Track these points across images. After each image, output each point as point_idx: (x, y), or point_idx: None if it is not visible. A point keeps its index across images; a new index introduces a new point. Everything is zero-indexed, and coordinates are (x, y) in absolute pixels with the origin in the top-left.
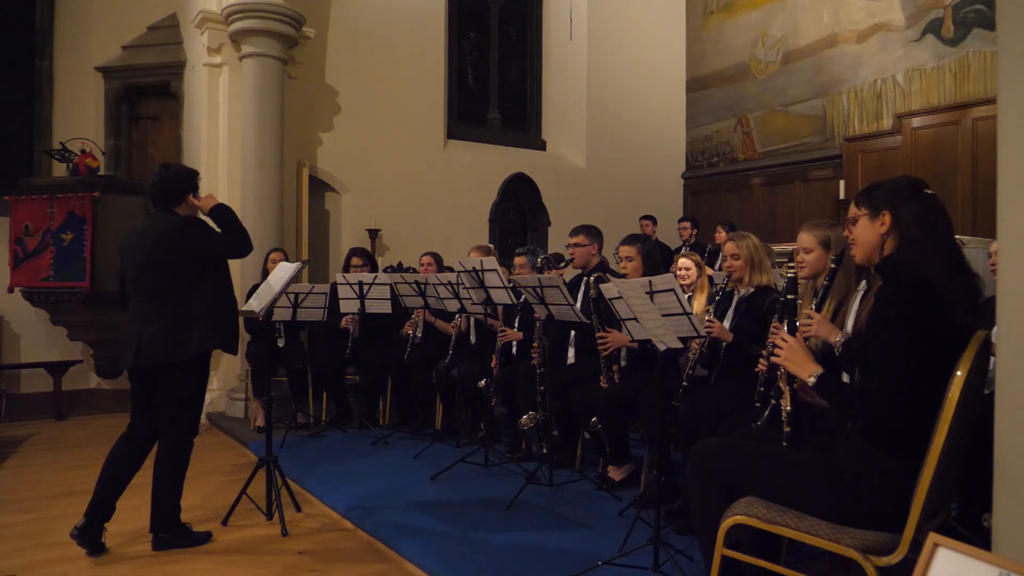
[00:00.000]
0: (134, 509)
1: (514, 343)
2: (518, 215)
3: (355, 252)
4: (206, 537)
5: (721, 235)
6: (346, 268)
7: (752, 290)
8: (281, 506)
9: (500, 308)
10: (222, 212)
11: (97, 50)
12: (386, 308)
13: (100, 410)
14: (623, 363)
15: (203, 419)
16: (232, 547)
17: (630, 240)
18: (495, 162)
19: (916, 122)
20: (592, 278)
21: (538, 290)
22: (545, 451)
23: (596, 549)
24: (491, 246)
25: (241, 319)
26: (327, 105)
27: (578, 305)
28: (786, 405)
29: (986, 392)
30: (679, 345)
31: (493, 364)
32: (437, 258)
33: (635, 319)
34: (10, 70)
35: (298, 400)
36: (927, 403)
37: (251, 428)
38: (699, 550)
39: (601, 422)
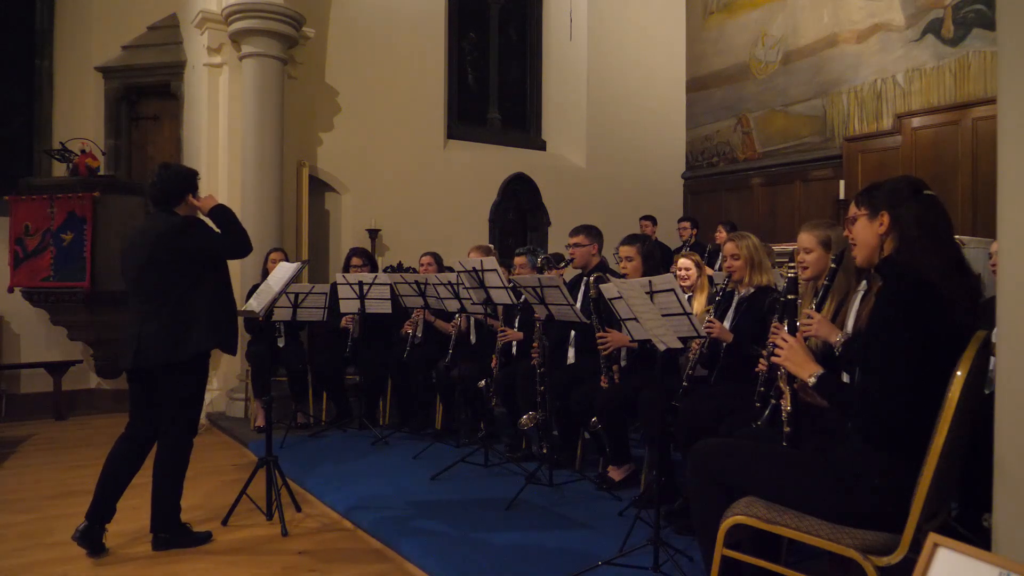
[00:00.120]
0: (134, 509)
1: (514, 343)
2: (518, 215)
3: (355, 252)
4: (206, 537)
5: (722, 235)
6: (346, 268)
7: (752, 290)
8: (281, 506)
9: (500, 308)
10: (222, 212)
11: (97, 50)
12: (386, 308)
13: (100, 410)
14: (623, 363)
15: (203, 419)
16: (232, 547)
17: (630, 240)
18: (495, 162)
19: (916, 122)
20: (592, 278)
21: (538, 290)
22: (545, 451)
23: (596, 549)
24: (491, 246)
25: (241, 319)
26: (327, 105)
27: (578, 305)
28: (786, 405)
29: (986, 392)
30: (679, 345)
31: (493, 364)
32: (437, 258)
33: (635, 319)
34: (10, 70)
35: (298, 400)
36: (927, 403)
37: (251, 428)
38: (699, 550)
39: (601, 422)
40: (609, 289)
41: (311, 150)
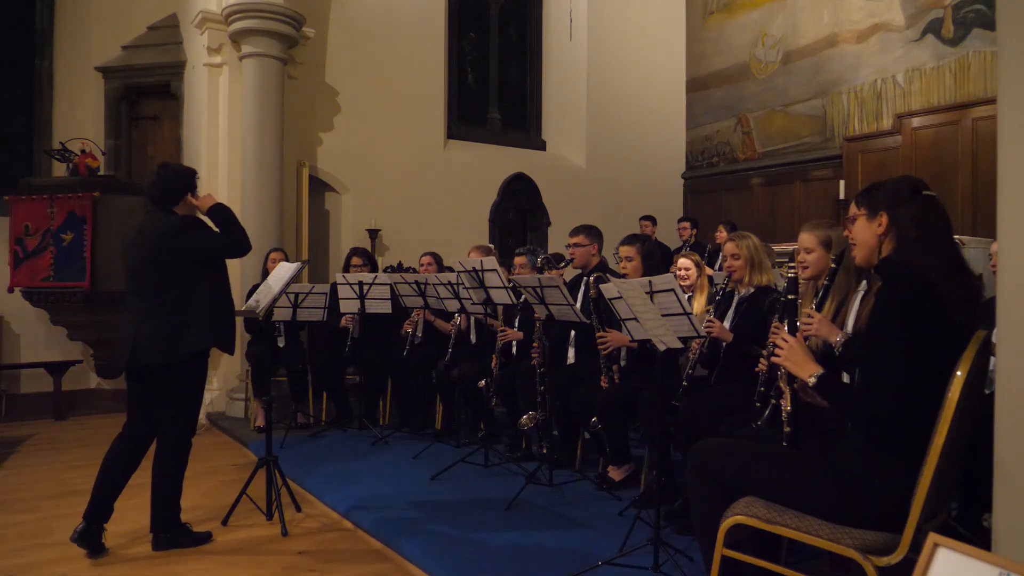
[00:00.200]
0: (134, 509)
1: (514, 343)
2: (518, 215)
3: (355, 252)
4: (206, 537)
5: (722, 235)
6: (346, 268)
7: (752, 290)
8: (281, 506)
9: (500, 308)
10: (221, 212)
11: (97, 50)
12: (386, 308)
13: (100, 410)
14: (623, 363)
15: (203, 419)
16: (232, 547)
17: (630, 240)
18: (495, 162)
19: (916, 122)
20: (592, 278)
21: (538, 290)
22: (545, 451)
23: (596, 549)
24: (491, 246)
25: (241, 319)
26: (327, 105)
27: (578, 305)
28: (786, 405)
29: (986, 392)
30: (679, 345)
31: (493, 364)
32: (437, 258)
33: (635, 319)
34: (10, 70)
35: (298, 400)
36: (927, 403)
37: (251, 428)
38: (699, 550)
39: (601, 422)
40: (609, 289)
41: (311, 150)
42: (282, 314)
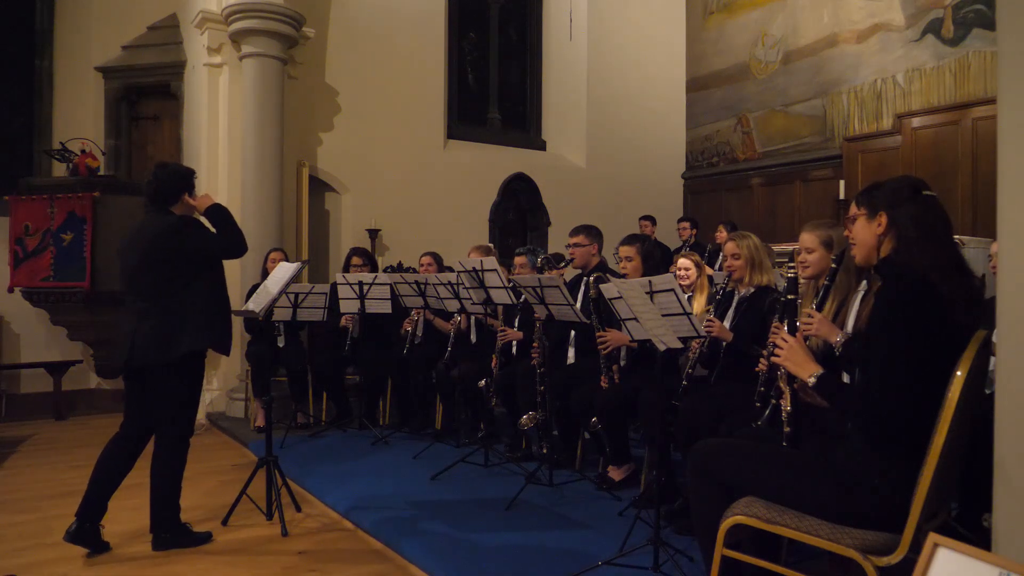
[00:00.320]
0: (134, 509)
1: (514, 343)
2: (518, 215)
3: (355, 252)
4: (206, 537)
5: (722, 235)
6: (346, 268)
7: (752, 290)
8: (281, 506)
9: (500, 308)
10: (218, 212)
11: (97, 50)
12: (386, 308)
13: (100, 410)
14: (623, 363)
15: (203, 419)
16: (232, 547)
17: (630, 240)
18: (495, 162)
19: (916, 122)
20: (592, 278)
21: (538, 290)
22: (545, 451)
23: (596, 549)
24: (491, 246)
25: (241, 319)
26: (327, 105)
27: (578, 305)
28: (786, 405)
29: (987, 392)
30: (679, 345)
31: (493, 364)
32: (437, 258)
33: (635, 319)
34: (10, 70)
35: (298, 400)
36: (927, 403)
37: (251, 428)
38: (699, 550)
39: (601, 422)
40: (609, 289)
41: (311, 150)
42: (282, 314)
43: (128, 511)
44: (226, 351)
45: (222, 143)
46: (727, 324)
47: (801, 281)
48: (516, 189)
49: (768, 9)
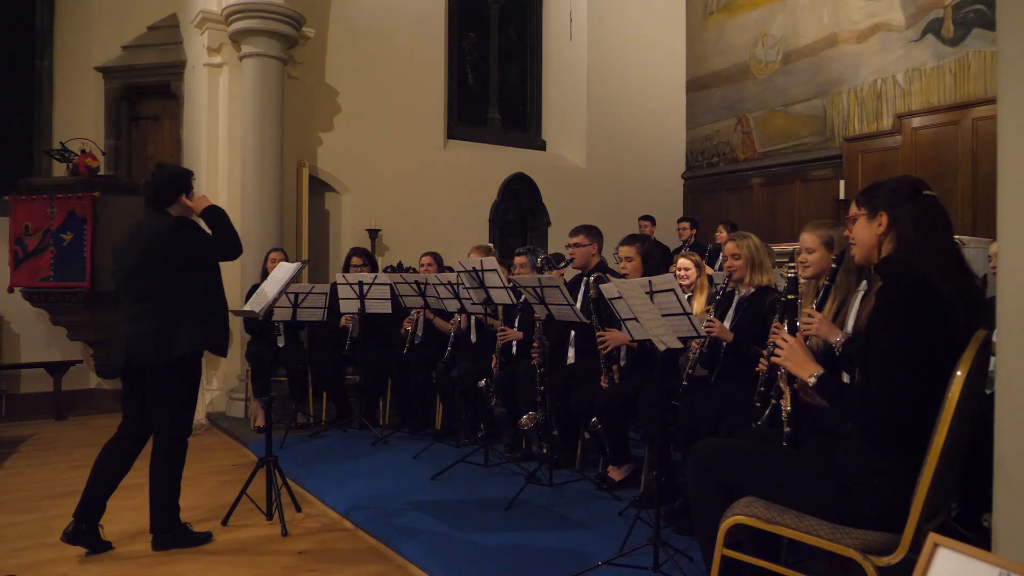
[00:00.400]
0: (134, 509)
1: (514, 343)
2: (518, 215)
3: (355, 252)
4: (206, 537)
5: (722, 235)
6: (346, 268)
7: (753, 290)
8: (281, 506)
9: (500, 308)
10: (214, 214)
11: (97, 50)
12: (386, 308)
13: (100, 410)
14: (623, 363)
15: (203, 419)
16: (232, 547)
17: (630, 240)
18: (495, 162)
19: (916, 122)
20: (592, 278)
21: (538, 290)
22: (545, 451)
23: (596, 549)
24: (491, 246)
25: (241, 319)
26: (327, 105)
27: (578, 305)
28: (786, 405)
29: (987, 392)
30: (679, 345)
31: (493, 364)
32: (437, 258)
33: (635, 319)
34: (10, 70)
35: (298, 400)
36: (927, 403)
37: (251, 428)
38: (699, 550)
39: (601, 422)
40: (609, 289)
41: (311, 150)
42: (282, 314)
43: (128, 511)
44: (223, 352)
45: (222, 143)
46: (727, 324)
47: (801, 281)
48: (516, 189)
49: (768, 9)
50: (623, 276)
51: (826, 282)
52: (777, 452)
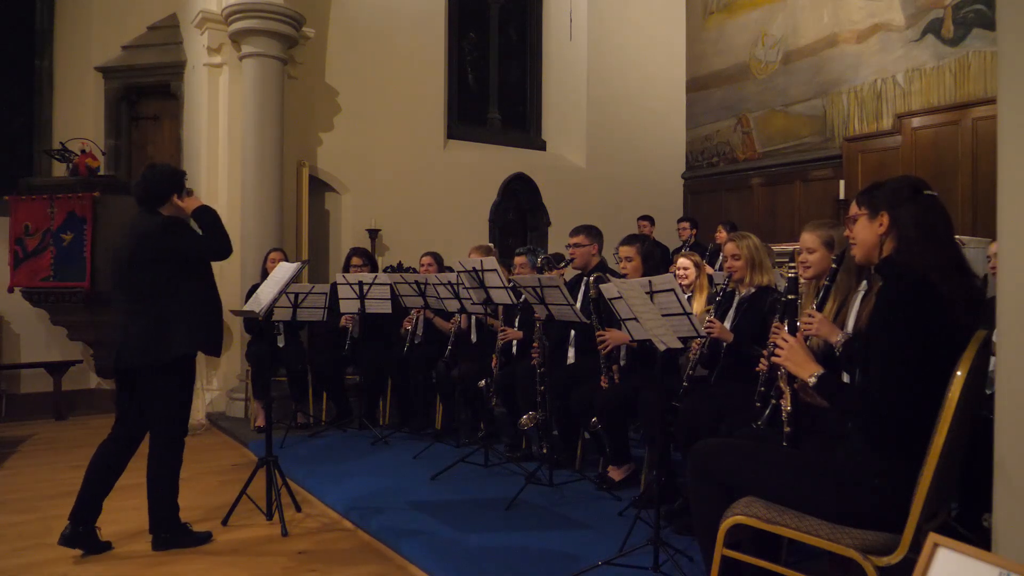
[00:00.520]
0: (133, 509)
1: (514, 343)
2: (518, 215)
3: (355, 252)
4: (206, 537)
5: (722, 235)
6: (346, 268)
7: (753, 290)
8: (281, 506)
9: (500, 308)
10: (205, 214)
11: (97, 50)
12: (386, 308)
13: (100, 410)
14: (623, 363)
15: (203, 419)
16: (232, 547)
17: (629, 240)
18: (495, 162)
19: (916, 122)
20: (592, 278)
21: (538, 290)
22: (545, 451)
23: (596, 549)
24: (491, 246)
25: (241, 319)
26: (327, 105)
27: (578, 305)
28: (786, 405)
29: (987, 392)
30: (679, 345)
31: (493, 364)
32: (437, 258)
33: (635, 319)
34: (10, 70)
35: (298, 400)
36: (927, 403)
37: (251, 428)
38: (699, 550)
39: (601, 422)
40: (609, 289)
41: (311, 150)
42: (282, 314)
43: (128, 511)
44: (216, 353)
45: (222, 143)
46: (727, 324)
47: (802, 281)
48: (516, 189)
49: (768, 9)
50: (623, 276)
51: (826, 282)
52: (777, 452)
